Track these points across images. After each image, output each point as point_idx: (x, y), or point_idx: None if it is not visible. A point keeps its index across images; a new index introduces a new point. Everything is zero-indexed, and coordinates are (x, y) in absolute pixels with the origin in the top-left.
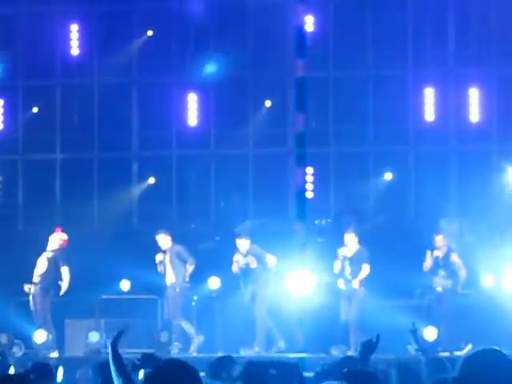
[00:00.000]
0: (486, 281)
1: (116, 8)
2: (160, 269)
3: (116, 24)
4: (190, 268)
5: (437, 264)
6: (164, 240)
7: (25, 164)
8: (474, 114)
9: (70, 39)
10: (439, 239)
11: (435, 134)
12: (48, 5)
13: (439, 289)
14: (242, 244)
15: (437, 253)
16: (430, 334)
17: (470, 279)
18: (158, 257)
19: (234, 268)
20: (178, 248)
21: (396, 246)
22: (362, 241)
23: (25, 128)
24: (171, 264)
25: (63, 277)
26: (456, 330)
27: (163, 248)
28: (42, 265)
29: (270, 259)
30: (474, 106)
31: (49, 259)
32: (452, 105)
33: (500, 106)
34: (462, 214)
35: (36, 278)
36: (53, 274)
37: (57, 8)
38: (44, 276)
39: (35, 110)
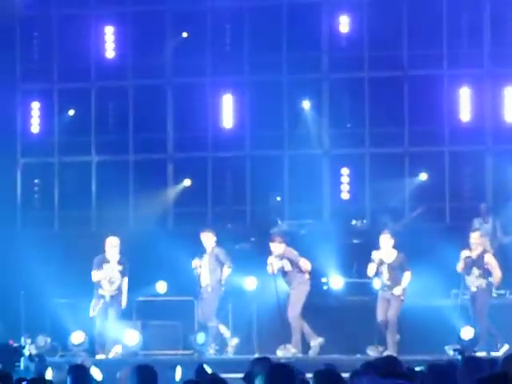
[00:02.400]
0: None
1: (150, 9)
2: (198, 271)
3: (150, 25)
4: (227, 271)
5: (471, 263)
6: (209, 239)
7: (61, 167)
8: (509, 114)
9: (105, 42)
10: (475, 237)
11: (471, 134)
12: (83, 8)
13: (473, 288)
14: (276, 247)
15: (471, 252)
16: (466, 333)
17: (506, 279)
18: (195, 263)
19: (269, 270)
20: (219, 250)
21: (432, 247)
22: (397, 240)
23: (61, 131)
24: (209, 266)
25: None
26: (492, 329)
27: (206, 246)
28: (114, 274)
29: (304, 263)
30: (509, 105)
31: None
32: (487, 104)
33: None
34: (497, 213)
35: (113, 287)
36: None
37: (92, 11)
38: (118, 285)
39: (71, 112)
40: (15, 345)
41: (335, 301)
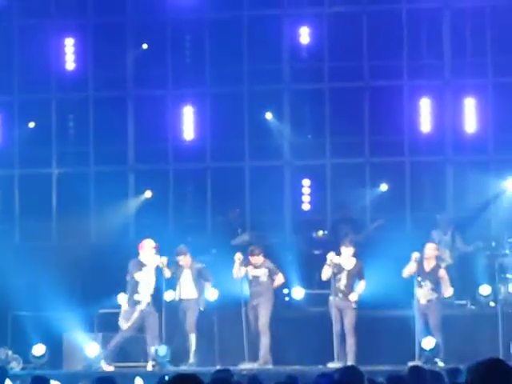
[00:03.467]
0: (483, 291)
1: (111, 21)
2: (167, 275)
3: (111, 37)
4: (209, 285)
5: (423, 275)
6: (186, 260)
7: (21, 178)
8: (470, 125)
9: (65, 53)
10: (430, 248)
11: (431, 145)
12: (43, 18)
13: (423, 301)
14: (256, 259)
15: (425, 264)
16: (427, 343)
17: (468, 289)
18: (167, 273)
19: (236, 274)
20: (200, 266)
21: (390, 257)
22: (358, 250)
23: (21, 142)
24: (194, 281)
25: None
26: (451, 341)
27: (185, 266)
28: (151, 279)
29: (280, 278)
30: (470, 116)
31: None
32: (448, 115)
33: (496, 115)
34: (457, 224)
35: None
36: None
37: (52, 22)
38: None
39: (31, 124)
40: None
41: (297, 312)
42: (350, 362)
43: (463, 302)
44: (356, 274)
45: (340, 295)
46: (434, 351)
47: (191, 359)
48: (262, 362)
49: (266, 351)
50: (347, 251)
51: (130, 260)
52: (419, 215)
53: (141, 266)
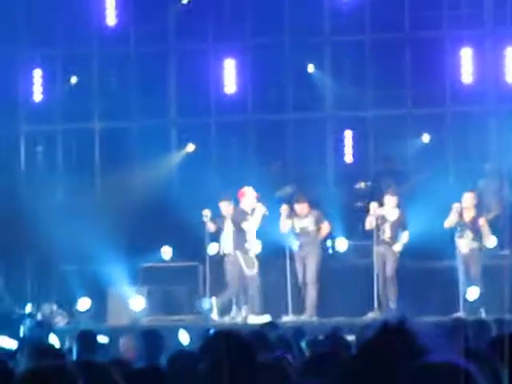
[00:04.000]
0: None
1: None
2: (212, 228)
3: None
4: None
5: (463, 226)
6: (227, 207)
7: (64, 134)
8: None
9: (106, 8)
10: (469, 197)
11: (473, 95)
12: None
13: (465, 250)
14: (301, 208)
15: (464, 215)
16: (472, 294)
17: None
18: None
19: (283, 227)
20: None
21: (434, 208)
22: (401, 202)
23: (63, 97)
24: (233, 232)
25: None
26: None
27: (226, 214)
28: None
29: (326, 227)
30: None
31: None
32: (489, 65)
33: None
34: (503, 174)
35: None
36: None
37: None
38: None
39: (74, 79)
40: (20, 312)
41: (341, 263)
42: (390, 312)
43: (506, 252)
44: (399, 225)
45: (384, 245)
46: (478, 301)
47: (233, 312)
48: (308, 314)
49: (313, 303)
50: (390, 202)
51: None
52: (462, 166)
53: (245, 214)
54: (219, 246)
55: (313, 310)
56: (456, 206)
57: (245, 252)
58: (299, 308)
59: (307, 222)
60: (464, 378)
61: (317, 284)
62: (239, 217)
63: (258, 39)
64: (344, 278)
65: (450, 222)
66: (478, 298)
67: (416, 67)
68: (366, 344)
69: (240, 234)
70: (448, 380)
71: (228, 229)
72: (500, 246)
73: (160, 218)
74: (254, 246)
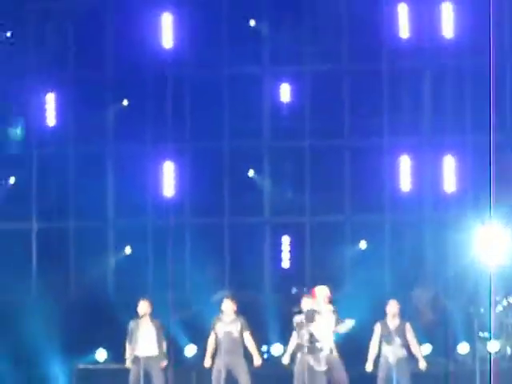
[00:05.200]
0: (462, 348)
1: (90, 75)
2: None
3: (90, 93)
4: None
5: (390, 333)
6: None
7: (0, 234)
8: (450, 183)
9: (45, 109)
10: (393, 304)
11: (410, 203)
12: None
13: (393, 359)
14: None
15: (389, 322)
16: None
17: (446, 346)
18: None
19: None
20: (160, 323)
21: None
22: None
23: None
24: (156, 336)
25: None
26: None
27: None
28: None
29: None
30: (450, 174)
31: None
32: (427, 173)
33: (475, 174)
34: (438, 282)
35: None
36: None
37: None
38: None
39: (12, 180)
40: None
41: (276, 369)
42: None
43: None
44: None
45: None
46: None
47: None
48: None
49: None
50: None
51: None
52: (398, 273)
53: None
54: None
55: None
56: (377, 327)
57: None
58: None
59: (233, 328)
60: None
61: None
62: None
63: (197, 143)
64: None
65: (374, 345)
66: None
67: (355, 174)
68: None
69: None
70: None
71: None
72: (434, 353)
73: (95, 320)
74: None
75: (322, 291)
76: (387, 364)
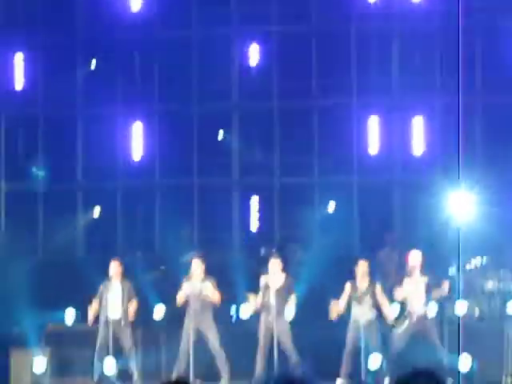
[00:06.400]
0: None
1: (58, 38)
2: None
3: (60, 56)
4: (135, 304)
5: (359, 293)
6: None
7: None
8: (418, 144)
9: (14, 70)
10: (362, 264)
11: (379, 165)
12: None
13: (364, 320)
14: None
15: (359, 282)
16: (373, 361)
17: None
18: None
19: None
20: (129, 283)
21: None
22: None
23: None
24: (126, 298)
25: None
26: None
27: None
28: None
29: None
30: (418, 135)
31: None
32: (396, 134)
33: (443, 135)
34: (406, 244)
35: None
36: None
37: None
38: None
39: None
40: None
41: (243, 330)
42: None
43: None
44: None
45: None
46: (381, 371)
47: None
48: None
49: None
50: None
51: None
52: (367, 235)
53: None
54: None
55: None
56: (347, 286)
57: None
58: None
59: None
60: None
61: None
62: None
63: (165, 105)
64: (247, 344)
65: (343, 301)
66: (380, 367)
67: (323, 135)
68: None
69: None
70: None
71: None
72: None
73: (64, 281)
74: None
75: None
76: (356, 323)
